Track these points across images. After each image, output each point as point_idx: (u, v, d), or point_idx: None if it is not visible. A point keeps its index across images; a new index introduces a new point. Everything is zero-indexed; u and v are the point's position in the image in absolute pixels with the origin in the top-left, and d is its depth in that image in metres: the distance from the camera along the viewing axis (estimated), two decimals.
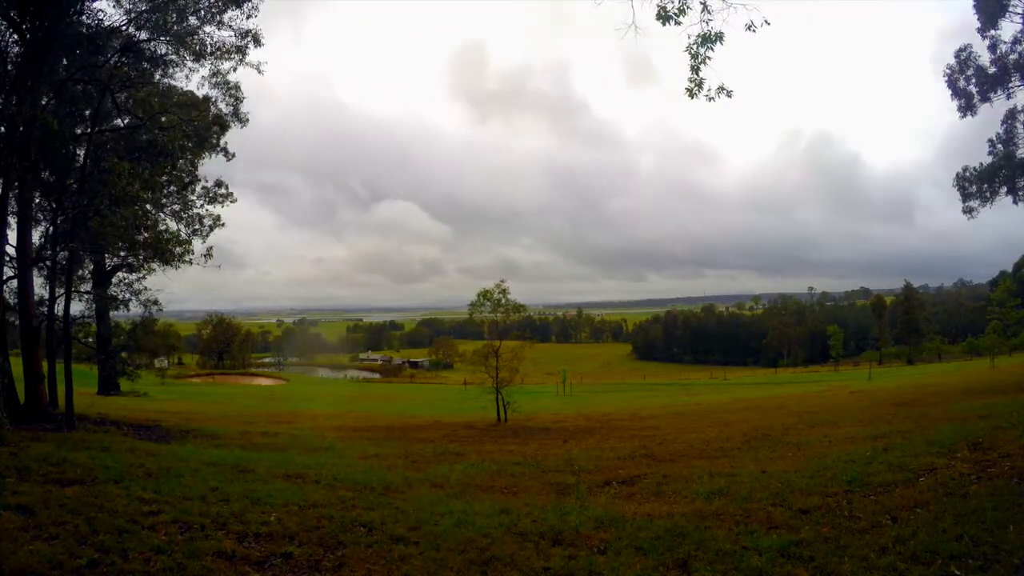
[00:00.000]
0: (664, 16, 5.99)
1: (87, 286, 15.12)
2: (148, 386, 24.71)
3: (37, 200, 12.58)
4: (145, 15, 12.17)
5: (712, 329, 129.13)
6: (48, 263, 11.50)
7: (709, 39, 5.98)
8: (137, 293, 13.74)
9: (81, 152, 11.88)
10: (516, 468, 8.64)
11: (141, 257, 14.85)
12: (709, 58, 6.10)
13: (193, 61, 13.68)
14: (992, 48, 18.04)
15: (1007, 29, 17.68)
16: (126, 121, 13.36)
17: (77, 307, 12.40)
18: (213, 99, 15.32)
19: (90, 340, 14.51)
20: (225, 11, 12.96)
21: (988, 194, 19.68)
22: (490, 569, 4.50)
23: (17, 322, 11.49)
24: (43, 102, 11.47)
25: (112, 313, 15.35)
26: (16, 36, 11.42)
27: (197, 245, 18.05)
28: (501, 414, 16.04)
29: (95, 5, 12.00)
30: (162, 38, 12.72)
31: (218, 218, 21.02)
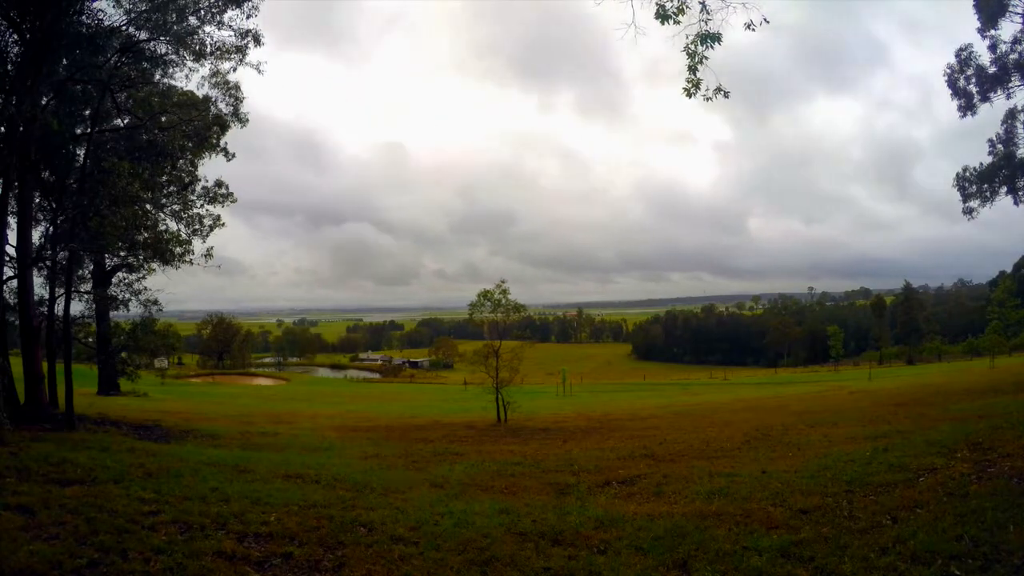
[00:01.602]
0: (663, 15, 6.01)
1: (87, 286, 15.05)
2: (148, 386, 24.68)
3: (37, 200, 12.55)
4: (145, 15, 12.14)
5: (712, 329, 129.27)
6: (48, 263, 11.47)
7: (707, 38, 6.00)
8: (137, 293, 13.66)
9: (81, 152, 11.86)
10: (516, 468, 8.63)
11: (141, 257, 14.82)
12: (707, 58, 6.13)
13: (193, 61, 13.65)
14: (992, 48, 18.08)
15: (1007, 29, 17.75)
16: (126, 121, 13.33)
17: (77, 307, 12.32)
18: (213, 99, 15.32)
19: (90, 340, 14.44)
20: (225, 11, 12.92)
21: (988, 194, 19.74)
22: (490, 569, 4.50)
23: (17, 322, 11.45)
24: (43, 102, 11.44)
25: (112, 313, 15.30)
26: (16, 36, 11.39)
27: (197, 245, 18.05)
28: (501, 414, 16.02)
29: (95, 5, 11.96)
30: (162, 38, 12.69)
31: (218, 218, 20.92)
